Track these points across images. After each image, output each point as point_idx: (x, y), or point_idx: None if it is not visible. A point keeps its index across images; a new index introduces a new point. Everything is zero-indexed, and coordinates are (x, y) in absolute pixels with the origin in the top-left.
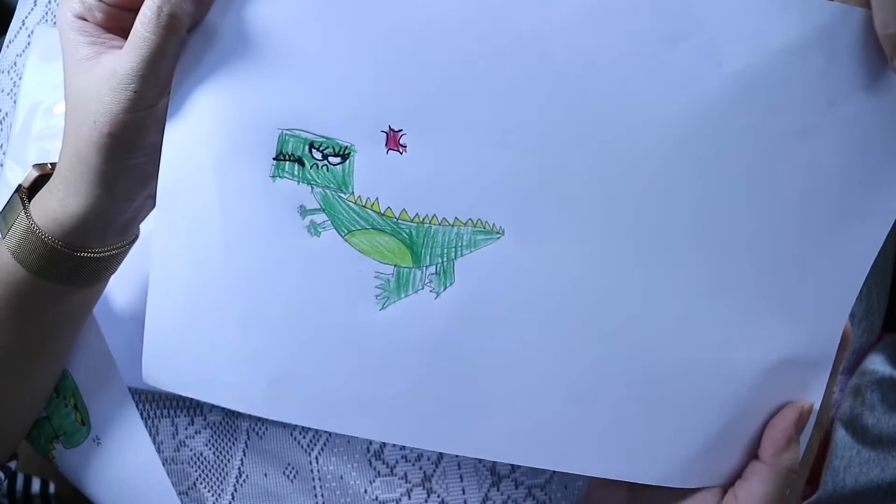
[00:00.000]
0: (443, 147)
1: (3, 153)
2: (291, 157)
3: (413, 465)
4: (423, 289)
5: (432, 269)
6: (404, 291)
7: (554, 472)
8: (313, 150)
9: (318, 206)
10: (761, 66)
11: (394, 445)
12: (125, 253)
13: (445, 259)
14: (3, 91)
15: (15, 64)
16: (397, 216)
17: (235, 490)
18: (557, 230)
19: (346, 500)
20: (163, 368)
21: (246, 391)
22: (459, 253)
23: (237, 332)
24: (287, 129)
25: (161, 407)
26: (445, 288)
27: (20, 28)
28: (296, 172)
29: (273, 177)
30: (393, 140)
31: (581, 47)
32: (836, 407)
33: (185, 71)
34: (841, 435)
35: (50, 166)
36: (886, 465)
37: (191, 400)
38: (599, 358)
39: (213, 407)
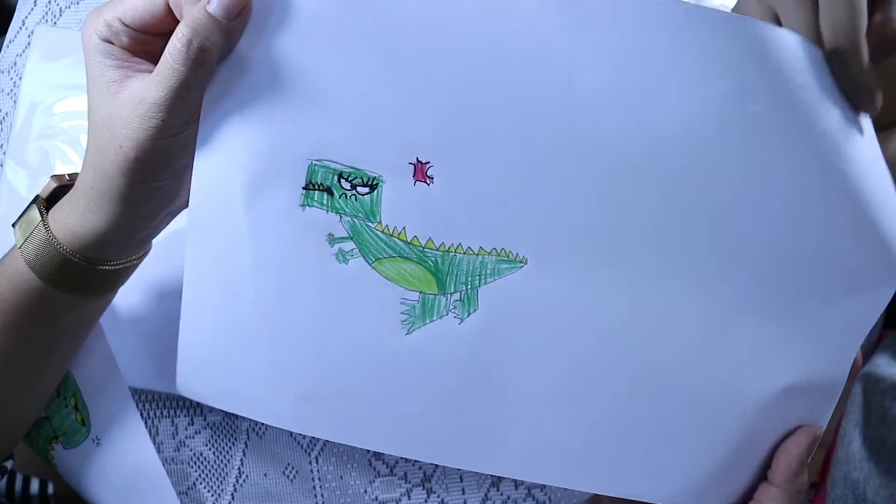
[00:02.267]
0: (469, 179)
1: (3, 153)
2: (321, 187)
3: (413, 465)
4: (447, 315)
5: (457, 296)
6: (429, 317)
7: None
8: (342, 181)
9: (347, 235)
10: (784, 107)
11: None
12: (138, 265)
13: (470, 287)
14: (2, 91)
15: (15, 64)
16: (423, 245)
17: (235, 490)
18: (578, 260)
19: (346, 501)
20: (195, 381)
21: (274, 406)
22: (483, 281)
23: (266, 351)
24: (316, 160)
25: (161, 407)
26: (469, 314)
27: (20, 28)
28: (325, 202)
29: (302, 206)
30: (420, 172)
31: (610, 81)
32: (846, 412)
33: (215, 99)
34: (857, 446)
35: (68, 177)
36: None
37: (191, 400)
38: (615, 382)
39: (212, 407)
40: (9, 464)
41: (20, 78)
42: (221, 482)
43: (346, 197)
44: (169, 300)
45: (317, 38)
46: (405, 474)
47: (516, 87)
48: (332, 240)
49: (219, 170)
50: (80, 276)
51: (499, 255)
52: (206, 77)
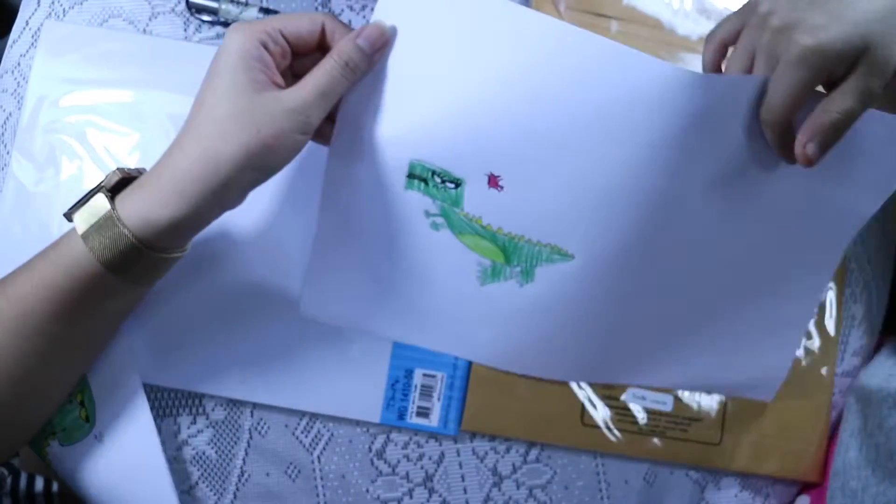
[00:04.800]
0: (532, 190)
1: (8, 152)
2: (419, 178)
3: (415, 464)
4: (511, 279)
5: (518, 268)
6: (497, 279)
7: (554, 473)
8: (434, 176)
9: (438, 213)
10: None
11: (395, 445)
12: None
13: (528, 265)
14: (6, 91)
15: (19, 64)
16: (495, 230)
17: (237, 489)
18: (616, 263)
19: (348, 500)
20: (319, 307)
21: (386, 328)
22: (540, 262)
23: (377, 292)
24: (416, 159)
25: (164, 406)
26: (527, 283)
27: (24, 28)
28: (422, 188)
29: (406, 188)
30: (493, 181)
31: (659, 125)
32: (843, 422)
33: (351, 106)
34: (853, 455)
35: (137, 173)
36: None
37: (193, 399)
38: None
39: (215, 406)
40: (15, 461)
41: (24, 78)
42: (224, 481)
43: (437, 187)
44: (170, 294)
45: (427, 66)
46: (407, 473)
47: (576, 123)
48: (427, 214)
49: (345, 163)
50: (141, 263)
51: (552, 248)
52: (345, 91)
